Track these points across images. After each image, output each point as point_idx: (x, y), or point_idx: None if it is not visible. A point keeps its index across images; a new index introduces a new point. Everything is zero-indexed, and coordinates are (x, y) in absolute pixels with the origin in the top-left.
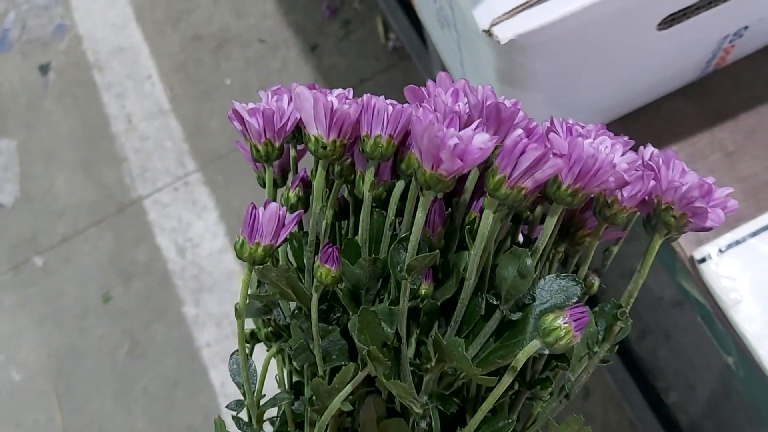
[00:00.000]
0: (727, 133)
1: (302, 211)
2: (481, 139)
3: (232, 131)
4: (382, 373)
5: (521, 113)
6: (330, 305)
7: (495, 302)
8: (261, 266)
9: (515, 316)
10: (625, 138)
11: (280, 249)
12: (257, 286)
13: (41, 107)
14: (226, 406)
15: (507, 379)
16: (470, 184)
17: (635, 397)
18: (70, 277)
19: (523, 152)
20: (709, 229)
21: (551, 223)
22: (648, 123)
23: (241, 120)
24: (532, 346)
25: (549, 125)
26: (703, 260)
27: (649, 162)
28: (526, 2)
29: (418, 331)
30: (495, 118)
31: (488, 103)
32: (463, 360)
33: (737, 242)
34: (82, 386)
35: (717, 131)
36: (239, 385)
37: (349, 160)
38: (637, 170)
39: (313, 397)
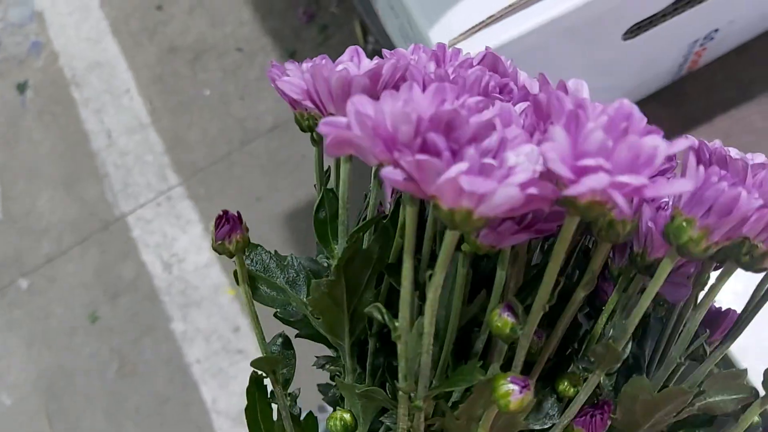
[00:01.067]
0: (704, 136)
1: None
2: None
3: (213, 142)
4: None
5: None
6: None
7: None
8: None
9: None
10: None
11: None
12: None
13: (20, 126)
14: None
15: None
16: None
17: None
18: (56, 298)
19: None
20: None
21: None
22: None
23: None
24: None
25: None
26: None
27: None
28: (483, 21)
29: None
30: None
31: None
32: None
33: None
34: (73, 406)
35: (693, 135)
36: None
37: None
38: None
39: None
